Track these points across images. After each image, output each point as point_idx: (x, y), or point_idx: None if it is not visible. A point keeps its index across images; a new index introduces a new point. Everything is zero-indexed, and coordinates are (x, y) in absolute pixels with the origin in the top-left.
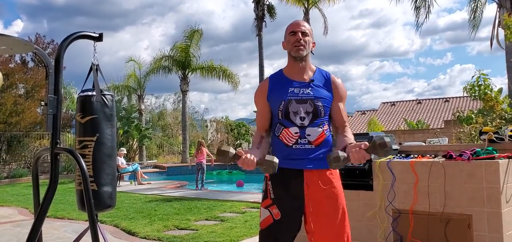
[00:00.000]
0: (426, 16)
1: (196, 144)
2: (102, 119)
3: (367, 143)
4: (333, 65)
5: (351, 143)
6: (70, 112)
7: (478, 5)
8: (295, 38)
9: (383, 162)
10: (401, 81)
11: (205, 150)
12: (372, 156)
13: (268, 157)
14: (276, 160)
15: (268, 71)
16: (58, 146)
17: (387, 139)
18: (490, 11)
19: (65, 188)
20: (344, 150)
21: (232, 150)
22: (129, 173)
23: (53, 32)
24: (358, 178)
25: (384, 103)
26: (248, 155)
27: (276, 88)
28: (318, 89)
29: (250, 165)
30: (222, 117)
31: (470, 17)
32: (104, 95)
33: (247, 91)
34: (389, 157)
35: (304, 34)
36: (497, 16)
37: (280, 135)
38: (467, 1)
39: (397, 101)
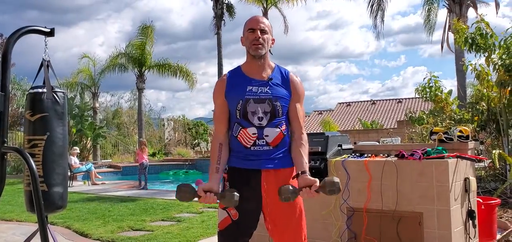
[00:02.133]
0: (382, 21)
1: (138, 143)
2: (53, 117)
3: (317, 183)
4: (291, 66)
5: (304, 172)
6: (20, 110)
7: (432, 9)
8: (253, 36)
9: (338, 161)
10: (356, 82)
11: (146, 150)
12: (328, 155)
13: (228, 192)
14: (236, 195)
15: (227, 70)
16: (5, 145)
17: (336, 180)
18: (441, 16)
19: (14, 188)
20: (297, 176)
21: (191, 189)
22: (83, 173)
23: (1, 25)
24: (314, 177)
25: (340, 103)
26: (208, 194)
27: (234, 87)
28: (277, 88)
29: (211, 202)
30: (180, 116)
31: (425, 20)
32: (55, 92)
33: (205, 90)
34: (344, 156)
35: (263, 31)
36: (448, 20)
37: (238, 136)
38: (421, 5)
39: (352, 102)
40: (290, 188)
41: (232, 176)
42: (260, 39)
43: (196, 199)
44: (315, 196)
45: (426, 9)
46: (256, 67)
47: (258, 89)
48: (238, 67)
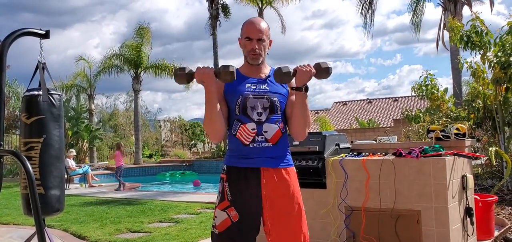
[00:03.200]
0: (371, 21)
1: (115, 145)
2: (49, 120)
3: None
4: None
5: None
6: (16, 112)
7: (418, 5)
8: (251, 47)
9: (335, 160)
10: (352, 81)
11: (123, 151)
12: (325, 154)
13: (223, 66)
14: (232, 65)
15: None
16: (1, 148)
17: (330, 64)
18: (436, 14)
19: (10, 192)
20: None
21: (187, 70)
22: (79, 175)
23: None
24: (312, 176)
25: (336, 103)
26: (204, 67)
27: (233, 84)
28: (274, 85)
29: (207, 74)
30: (176, 117)
31: (413, 18)
32: (51, 94)
33: (201, 91)
34: (341, 155)
35: (260, 41)
36: (442, 19)
37: (237, 133)
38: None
39: (349, 101)
40: (287, 67)
41: (230, 176)
42: (257, 51)
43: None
44: (311, 71)
45: (414, 6)
46: (254, 69)
47: (256, 86)
48: (236, 70)
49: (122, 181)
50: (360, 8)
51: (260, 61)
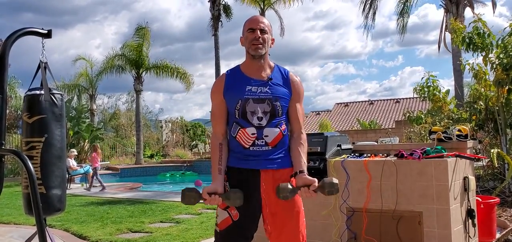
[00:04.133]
0: (373, 20)
1: (92, 147)
2: (50, 119)
3: (316, 183)
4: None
5: (302, 171)
6: (18, 112)
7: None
8: (253, 36)
9: (337, 161)
10: (354, 83)
11: (100, 152)
12: (327, 155)
13: (232, 193)
14: (240, 195)
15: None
16: (3, 147)
17: (335, 181)
18: (438, 15)
19: (11, 191)
20: (295, 175)
21: (196, 193)
22: (80, 175)
23: None
24: (313, 177)
25: (338, 104)
26: (213, 197)
27: (233, 86)
28: (276, 88)
29: (216, 203)
30: (177, 118)
31: (399, 18)
32: (53, 94)
33: (203, 91)
34: (343, 156)
35: (263, 31)
36: (445, 20)
37: (237, 136)
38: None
39: (350, 102)
40: (289, 186)
41: (231, 176)
42: (260, 39)
43: (201, 201)
44: (313, 196)
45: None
46: (256, 67)
47: (257, 89)
48: (237, 67)
49: (101, 180)
50: (362, 8)
51: (263, 52)
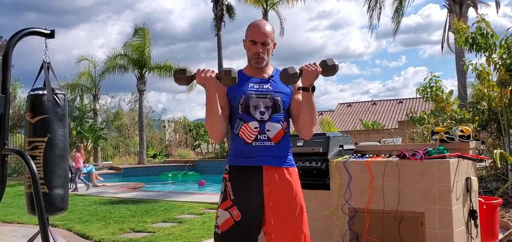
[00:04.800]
0: (378, 19)
1: (75, 147)
2: (53, 119)
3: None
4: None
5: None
6: (20, 112)
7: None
8: (255, 50)
9: (339, 162)
10: (357, 83)
11: (83, 153)
12: (329, 156)
13: (226, 71)
14: (234, 69)
15: None
16: (6, 147)
17: (336, 61)
18: (441, 16)
19: (14, 191)
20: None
21: (189, 70)
22: (83, 175)
23: (1, 27)
24: (315, 178)
25: (341, 104)
26: (206, 70)
27: (236, 84)
28: (278, 85)
29: (209, 79)
30: (180, 118)
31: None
32: (55, 94)
33: None
34: (345, 156)
35: (265, 44)
36: (448, 20)
37: (240, 132)
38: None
39: (353, 102)
40: (290, 69)
41: (232, 175)
42: (261, 54)
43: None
44: (317, 69)
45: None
46: (257, 70)
47: (259, 86)
48: (240, 70)
49: (84, 180)
50: (366, 8)
51: (263, 65)
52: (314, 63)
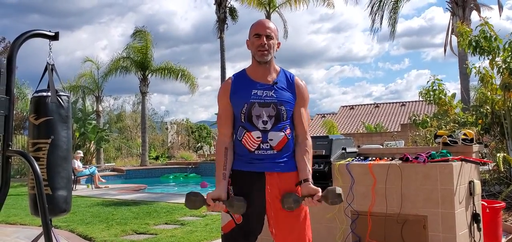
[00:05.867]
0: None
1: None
2: (57, 121)
3: (320, 193)
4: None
5: (307, 180)
6: (24, 114)
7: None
8: (259, 42)
9: (342, 164)
10: (360, 86)
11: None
12: (332, 159)
13: (236, 201)
14: (243, 203)
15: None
16: (10, 148)
17: (339, 191)
18: (444, 19)
19: (18, 192)
20: (299, 183)
21: (200, 198)
22: (86, 176)
23: (4, 29)
24: (318, 181)
25: (343, 107)
26: (216, 203)
27: (239, 90)
28: (282, 92)
29: (220, 210)
30: (183, 120)
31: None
32: (59, 96)
33: (208, 93)
34: (348, 159)
35: (269, 37)
36: (451, 24)
37: (243, 140)
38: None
39: (356, 105)
40: (293, 197)
41: (235, 179)
42: (266, 46)
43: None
44: (317, 205)
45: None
46: (262, 71)
47: (263, 93)
48: (243, 71)
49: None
50: (369, 11)
51: (268, 58)
52: (316, 200)
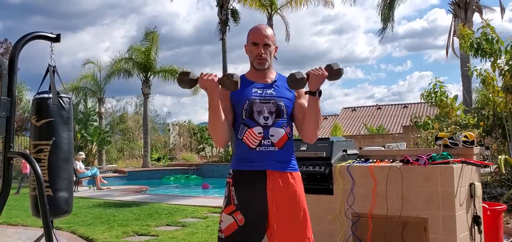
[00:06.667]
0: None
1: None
2: (58, 122)
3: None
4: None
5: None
6: (25, 114)
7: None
8: (257, 52)
9: (343, 166)
10: (362, 87)
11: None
12: (332, 161)
13: (228, 76)
14: (236, 75)
15: None
16: (12, 149)
17: (341, 66)
18: (446, 20)
19: (19, 193)
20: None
21: (193, 73)
22: (88, 178)
23: (7, 30)
24: (319, 182)
25: (345, 108)
26: (208, 73)
27: (240, 90)
28: (281, 90)
29: (211, 82)
30: (185, 121)
31: None
32: (61, 97)
33: None
34: (349, 161)
35: (266, 46)
36: (453, 26)
37: (244, 137)
38: (427, 10)
39: (358, 107)
40: (296, 73)
41: (236, 179)
42: (263, 55)
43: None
44: (324, 73)
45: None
46: (260, 75)
47: (263, 91)
48: (243, 75)
49: (20, 186)
50: (379, 12)
51: (266, 66)
52: (320, 68)
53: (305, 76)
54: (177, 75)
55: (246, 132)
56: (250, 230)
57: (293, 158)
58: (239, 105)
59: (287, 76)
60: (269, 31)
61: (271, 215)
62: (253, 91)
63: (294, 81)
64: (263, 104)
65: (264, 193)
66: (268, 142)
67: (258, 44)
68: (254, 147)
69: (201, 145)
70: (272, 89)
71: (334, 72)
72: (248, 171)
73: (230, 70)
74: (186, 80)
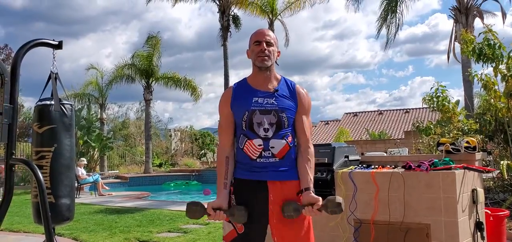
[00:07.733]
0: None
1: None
2: (60, 129)
3: (320, 202)
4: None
5: (308, 189)
6: (27, 121)
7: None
8: (259, 49)
9: (345, 172)
10: (363, 92)
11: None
12: (334, 167)
13: (237, 210)
14: (245, 212)
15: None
16: (14, 156)
17: (339, 200)
18: (448, 25)
19: (21, 199)
20: (301, 192)
21: (201, 207)
22: (90, 184)
23: (9, 37)
24: (320, 189)
25: (347, 113)
26: (217, 212)
27: (240, 98)
28: (283, 100)
29: (221, 219)
30: (187, 127)
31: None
32: (63, 104)
33: (211, 100)
34: (350, 167)
35: (269, 44)
36: (454, 31)
37: (244, 148)
38: (429, 14)
39: (359, 112)
40: (293, 205)
41: (238, 188)
42: (266, 51)
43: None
44: (317, 215)
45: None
46: (262, 79)
47: (264, 100)
48: (244, 80)
49: None
50: (382, 17)
51: (269, 64)
52: (316, 210)
53: (299, 211)
54: (187, 204)
55: (246, 143)
56: (251, 237)
57: (294, 166)
58: (239, 116)
59: (283, 203)
60: (271, 33)
61: (272, 224)
62: (253, 101)
63: (287, 215)
64: (263, 116)
65: (265, 202)
66: (269, 153)
67: (260, 42)
68: (255, 158)
69: (203, 151)
70: (274, 99)
71: (329, 211)
72: (249, 180)
73: (231, 75)
74: (196, 214)
